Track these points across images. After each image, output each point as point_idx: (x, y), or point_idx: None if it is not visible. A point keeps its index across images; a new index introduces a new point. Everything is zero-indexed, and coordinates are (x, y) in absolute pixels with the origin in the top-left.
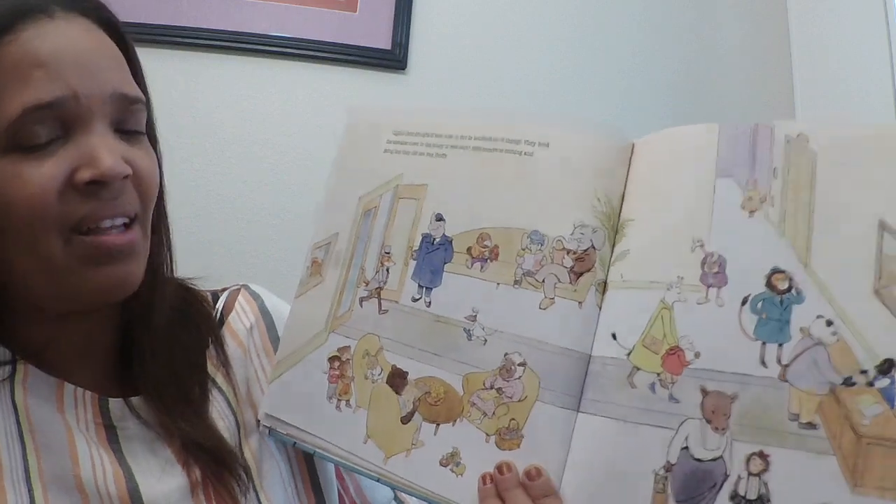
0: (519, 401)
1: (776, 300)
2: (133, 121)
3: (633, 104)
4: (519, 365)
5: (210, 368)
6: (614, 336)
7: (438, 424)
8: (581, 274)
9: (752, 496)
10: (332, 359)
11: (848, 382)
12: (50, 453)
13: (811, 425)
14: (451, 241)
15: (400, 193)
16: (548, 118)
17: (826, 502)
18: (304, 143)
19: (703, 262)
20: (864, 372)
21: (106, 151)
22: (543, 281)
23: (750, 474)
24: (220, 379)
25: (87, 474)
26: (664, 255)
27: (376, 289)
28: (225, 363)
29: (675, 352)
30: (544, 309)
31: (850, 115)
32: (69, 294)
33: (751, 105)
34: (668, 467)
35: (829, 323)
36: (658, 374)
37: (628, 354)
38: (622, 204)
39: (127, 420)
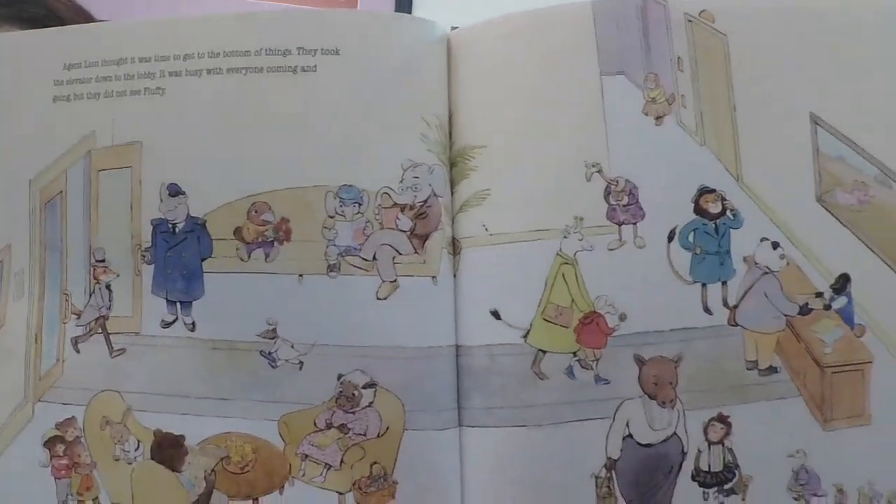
0: (378, 437)
1: (710, 228)
2: None
3: None
4: (365, 387)
5: None
6: (497, 314)
7: (256, 499)
8: (427, 236)
9: (717, 467)
10: (49, 442)
11: (804, 310)
12: None
13: (772, 369)
14: (202, 224)
15: (98, 163)
16: (328, 13)
17: (799, 449)
18: None
19: (607, 193)
20: (819, 295)
21: None
22: (375, 258)
23: (711, 444)
24: None
25: None
26: (547, 190)
27: (97, 320)
28: None
29: (591, 319)
30: (384, 298)
31: None
32: None
33: None
34: (611, 465)
35: (776, 245)
36: (574, 354)
37: (525, 336)
38: (451, 124)
39: None
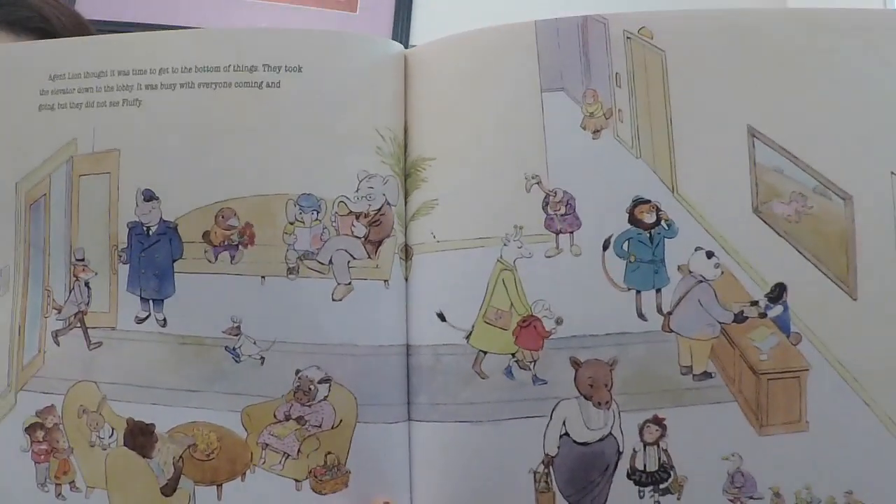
0: (331, 428)
1: (644, 237)
2: None
3: None
4: (320, 382)
5: None
6: (442, 316)
7: (220, 485)
8: (380, 242)
9: (653, 467)
10: (30, 428)
11: (739, 318)
12: None
13: (706, 374)
14: (174, 228)
15: (79, 168)
16: (292, 32)
17: (735, 452)
18: None
19: (546, 204)
20: (754, 303)
21: None
22: (331, 262)
23: (646, 444)
24: None
25: None
26: (490, 200)
27: (76, 314)
28: None
29: (529, 322)
30: (340, 300)
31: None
32: None
33: None
34: (548, 461)
35: (710, 254)
36: (513, 355)
37: (468, 337)
38: (406, 137)
39: None
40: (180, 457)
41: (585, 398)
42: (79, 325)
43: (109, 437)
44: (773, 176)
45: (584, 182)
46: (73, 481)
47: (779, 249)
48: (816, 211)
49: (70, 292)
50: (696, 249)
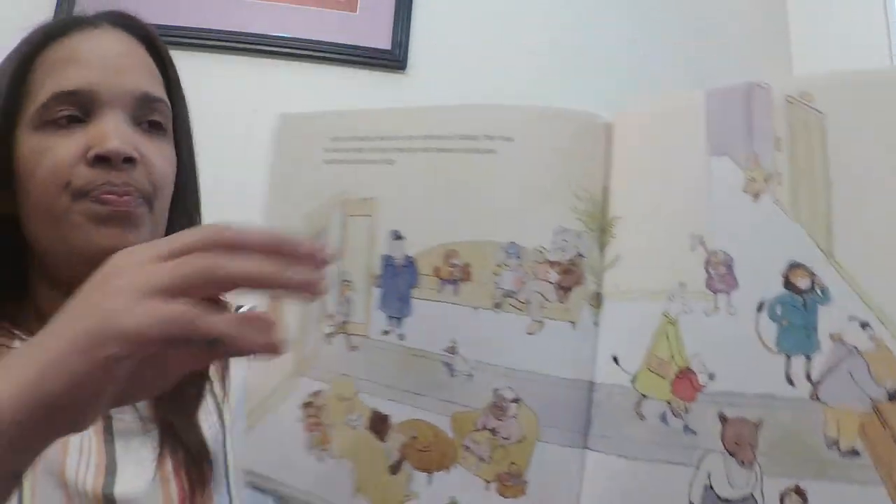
0: (517, 442)
1: (798, 302)
2: (153, 118)
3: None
4: (511, 401)
5: (211, 372)
6: (616, 359)
7: (431, 472)
8: (570, 288)
9: None
10: (305, 405)
11: (893, 396)
12: None
13: (853, 452)
14: (414, 262)
15: (349, 210)
16: (508, 108)
17: None
18: None
19: (707, 264)
20: None
21: (114, 134)
22: (527, 301)
23: None
24: (216, 384)
25: (70, 468)
26: (661, 257)
27: (342, 323)
28: (225, 370)
29: (685, 374)
30: (532, 334)
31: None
32: (75, 251)
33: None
34: None
35: (865, 325)
36: (668, 402)
37: (633, 380)
38: (605, 198)
39: (124, 411)
40: (405, 445)
41: (730, 454)
42: (343, 331)
43: (357, 419)
44: None
45: (743, 244)
46: (328, 449)
47: None
48: None
49: (339, 305)
50: (849, 318)
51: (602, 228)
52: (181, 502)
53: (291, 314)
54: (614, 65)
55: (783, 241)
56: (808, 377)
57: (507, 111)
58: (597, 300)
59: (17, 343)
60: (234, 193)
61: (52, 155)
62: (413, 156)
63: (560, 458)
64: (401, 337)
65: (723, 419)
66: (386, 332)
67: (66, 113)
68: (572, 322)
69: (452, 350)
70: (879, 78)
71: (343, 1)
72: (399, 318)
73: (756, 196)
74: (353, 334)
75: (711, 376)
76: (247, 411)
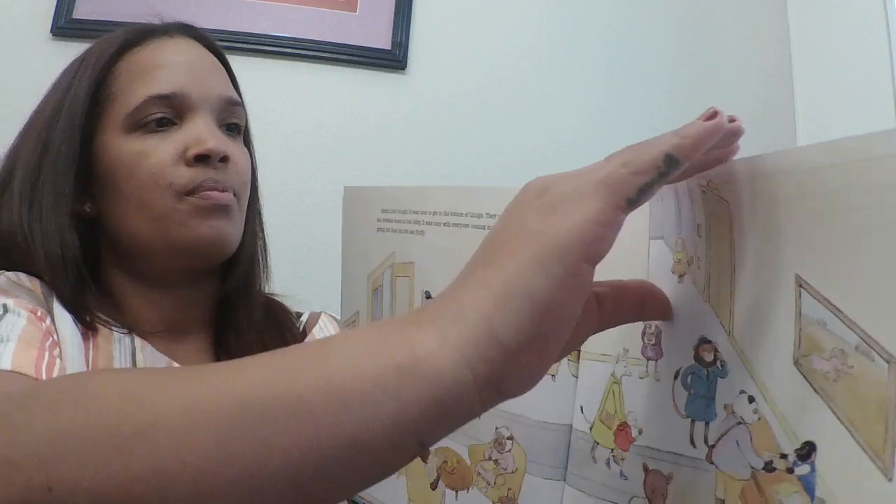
0: (512, 472)
1: (703, 374)
2: (233, 120)
3: (633, 107)
4: (507, 439)
5: None
6: (582, 409)
7: (457, 491)
8: None
9: None
10: None
11: (768, 468)
12: None
13: None
14: None
15: (396, 272)
16: (508, 190)
17: None
18: (304, 143)
19: (643, 334)
20: (784, 456)
21: (210, 134)
22: None
23: None
24: None
25: None
26: None
27: None
28: None
29: (624, 427)
30: None
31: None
32: (177, 244)
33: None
34: None
35: (751, 399)
36: (612, 450)
37: (591, 428)
38: None
39: None
40: (440, 467)
41: (648, 501)
42: None
43: None
44: (817, 329)
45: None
46: None
47: (814, 406)
48: (856, 371)
49: None
50: (740, 392)
51: None
52: None
53: None
54: (613, 64)
55: (697, 318)
56: (706, 441)
57: (510, 191)
58: (576, 356)
59: (107, 331)
60: None
61: (151, 157)
62: (437, 229)
63: (543, 489)
64: None
65: (645, 469)
66: None
67: (158, 115)
68: (552, 375)
69: None
70: (773, 162)
71: (343, 1)
72: None
73: (681, 277)
74: None
75: (640, 431)
76: None
